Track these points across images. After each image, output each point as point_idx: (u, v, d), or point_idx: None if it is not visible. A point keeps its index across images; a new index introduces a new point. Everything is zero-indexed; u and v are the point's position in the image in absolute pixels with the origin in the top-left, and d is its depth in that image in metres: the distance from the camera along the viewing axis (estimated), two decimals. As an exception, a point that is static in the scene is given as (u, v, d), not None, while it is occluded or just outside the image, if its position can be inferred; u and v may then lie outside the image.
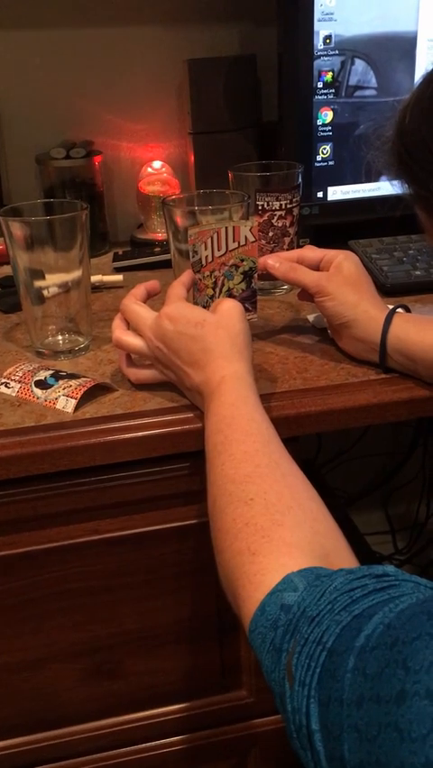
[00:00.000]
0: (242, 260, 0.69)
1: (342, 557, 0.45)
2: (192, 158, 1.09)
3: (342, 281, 0.69)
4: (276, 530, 0.45)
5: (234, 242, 0.68)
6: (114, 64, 1.11)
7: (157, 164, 1.13)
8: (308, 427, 0.65)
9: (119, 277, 0.97)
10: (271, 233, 0.86)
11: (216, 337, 0.59)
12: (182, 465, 0.65)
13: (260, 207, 0.85)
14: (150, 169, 1.13)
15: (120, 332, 0.66)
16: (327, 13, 0.92)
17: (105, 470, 0.63)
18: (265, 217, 0.85)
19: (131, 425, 0.62)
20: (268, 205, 0.85)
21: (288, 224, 0.86)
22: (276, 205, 0.85)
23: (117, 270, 1.01)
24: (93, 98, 1.13)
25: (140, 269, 1.02)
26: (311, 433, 0.66)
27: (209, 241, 0.67)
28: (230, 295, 0.70)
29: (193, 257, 0.67)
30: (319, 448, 1.30)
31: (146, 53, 1.12)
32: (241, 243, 0.69)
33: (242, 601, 0.44)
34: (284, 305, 0.87)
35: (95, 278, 0.92)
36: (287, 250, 0.87)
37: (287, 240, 0.87)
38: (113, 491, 0.65)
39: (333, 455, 1.32)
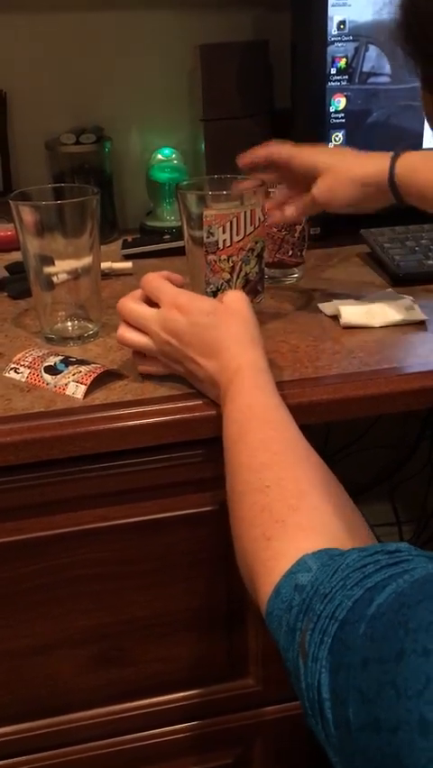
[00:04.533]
0: (256, 243, 0.69)
1: (360, 538, 0.44)
2: (204, 144, 1.08)
3: (332, 179, 0.70)
4: (292, 515, 0.45)
5: (250, 225, 0.68)
6: (125, 49, 1.10)
7: (167, 151, 1.12)
8: (320, 416, 0.64)
9: (128, 264, 0.96)
10: (282, 221, 0.85)
11: (229, 325, 0.59)
12: (193, 452, 0.65)
13: (271, 194, 0.84)
14: (160, 156, 1.12)
15: (123, 329, 0.65)
16: (341, -2, 0.91)
17: (114, 456, 0.63)
18: (277, 205, 0.84)
19: (141, 411, 0.62)
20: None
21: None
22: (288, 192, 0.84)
23: (127, 258, 1.00)
24: (103, 83, 1.12)
25: (149, 256, 1.01)
26: (322, 421, 0.65)
27: (228, 225, 0.66)
28: (246, 280, 0.70)
29: (208, 238, 0.67)
30: (328, 438, 1.29)
31: (158, 38, 1.11)
32: (256, 226, 0.68)
33: (258, 586, 0.44)
34: (295, 293, 0.87)
35: (104, 265, 0.92)
36: (298, 237, 0.87)
37: (298, 227, 0.86)
38: (122, 478, 0.65)
39: (341, 446, 1.32)
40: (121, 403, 0.63)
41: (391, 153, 0.69)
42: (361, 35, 0.93)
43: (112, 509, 0.66)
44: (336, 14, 0.92)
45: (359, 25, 0.93)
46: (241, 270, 0.69)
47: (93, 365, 0.67)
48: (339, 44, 0.93)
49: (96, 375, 0.65)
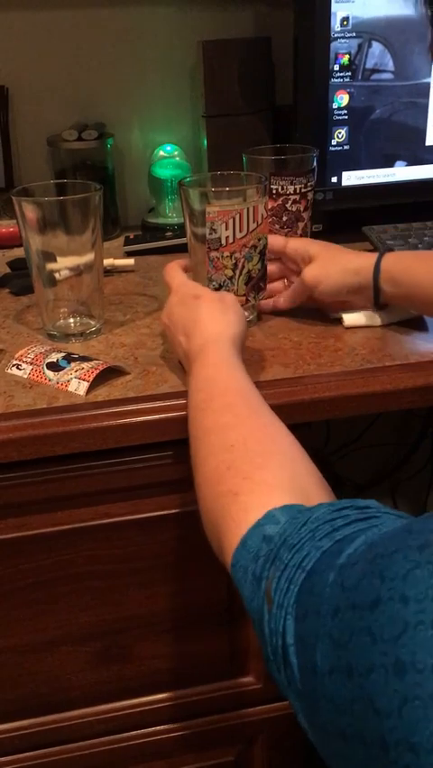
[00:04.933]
0: (259, 240, 0.69)
1: (323, 495, 0.45)
2: (206, 140, 1.08)
3: (321, 265, 0.73)
4: (257, 472, 0.45)
5: (253, 222, 0.68)
6: (127, 45, 1.10)
7: (169, 147, 1.12)
8: (323, 413, 0.64)
9: (130, 261, 0.96)
10: (285, 218, 0.85)
11: (209, 308, 0.62)
12: (195, 449, 0.65)
13: (274, 191, 0.84)
14: (162, 152, 1.12)
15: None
16: (344, -5, 0.91)
17: (117, 453, 0.63)
18: (279, 201, 0.84)
19: (143, 408, 0.62)
20: (282, 189, 0.84)
21: (302, 209, 0.85)
22: (290, 189, 0.84)
23: (129, 254, 1.00)
24: (105, 80, 1.12)
25: (151, 253, 1.01)
26: (324, 419, 0.65)
27: (231, 221, 0.66)
28: (249, 277, 0.71)
29: (211, 234, 0.66)
30: (328, 437, 1.29)
31: (159, 34, 1.10)
32: (259, 223, 0.68)
33: (225, 540, 0.44)
34: (297, 290, 0.86)
35: (106, 262, 0.92)
36: (300, 235, 0.86)
37: (301, 224, 0.86)
38: (124, 474, 0.65)
39: (341, 444, 1.32)
40: (123, 399, 0.63)
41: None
42: (364, 31, 0.93)
43: (114, 506, 0.66)
44: (339, 11, 0.91)
45: (362, 21, 0.92)
46: (243, 267, 0.69)
47: (95, 362, 0.67)
48: (342, 41, 0.93)
49: (98, 371, 0.65)
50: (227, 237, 0.67)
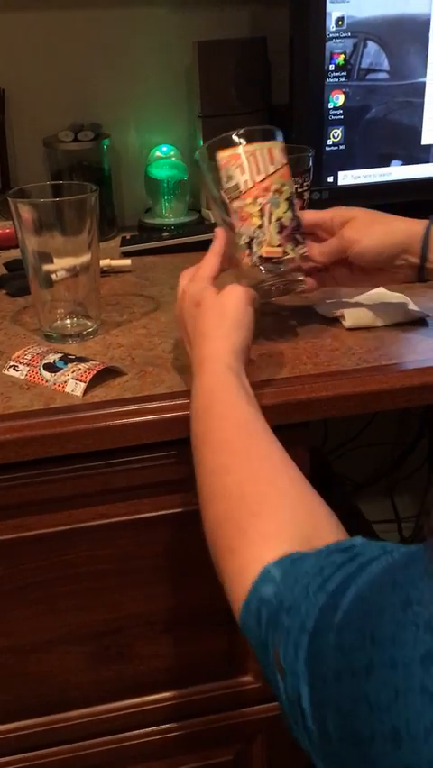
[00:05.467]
0: (282, 185, 0.64)
1: (325, 533, 0.44)
2: (202, 141, 1.08)
3: (362, 224, 0.68)
4: (252, 522, 0.45)
5: (271, 164, 0.63)
6: (122, 46, 1.10)
7: (166, 147, 1.12)
8: (320, 412, 0.64)
9: (127, 261, 0.96)
10: (281, 218, 0.85)
11: (207, 317, 0.58)
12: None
13: None
14: (158, 153, 1.12)
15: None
16: (339, -6, 0.91)
17: (114, 453, 0.63)
18: (276, 201, 0.84)
19: (140, 408, 0.62)
20: (278, 188, 0.84)
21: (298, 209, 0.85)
22: (287, 188, 0.84)
23: (125, 255, 1.00)
24: (101, 80, 1.12)
25: (148, 253, 1.01)
26: (321, 418, 0.65)
27: (245, 164, 0.62)
28: (281, 226, 0.64)
29: (228, 182, 0.62)
30: (326, 436, 1.29)
31: (155, 35, 1.11)
32: (277, 167, 0.64)
33: (231, 595, 0.44)
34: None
35: (103, 263, 0.92)
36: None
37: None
38: (122, 475, 0.65)
39: (339, 443, 1.32)
40: (120, 400, 0.63)
41: None
42: (359, 31, 0.93)
43: (112, 506, 0.66)
44: (334, 10, 0.92)
45: (358, 21, 0.92)
46: (271, 215, 0.64)
47: (92, 362, 0.67)
48: (337, 40, 0.93)
49: (95, 372, 0.65)
50: (246, 182, 0.62)
